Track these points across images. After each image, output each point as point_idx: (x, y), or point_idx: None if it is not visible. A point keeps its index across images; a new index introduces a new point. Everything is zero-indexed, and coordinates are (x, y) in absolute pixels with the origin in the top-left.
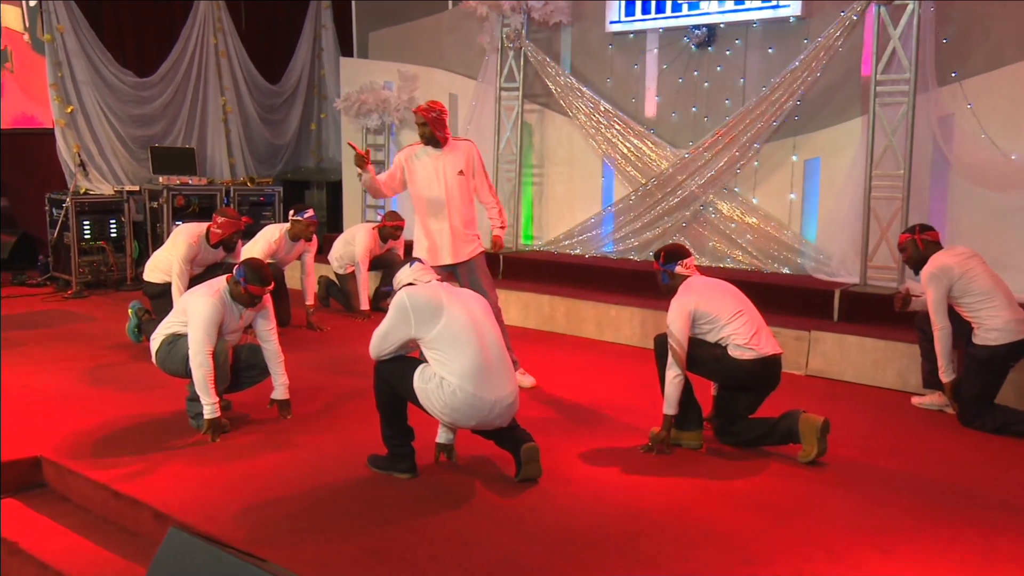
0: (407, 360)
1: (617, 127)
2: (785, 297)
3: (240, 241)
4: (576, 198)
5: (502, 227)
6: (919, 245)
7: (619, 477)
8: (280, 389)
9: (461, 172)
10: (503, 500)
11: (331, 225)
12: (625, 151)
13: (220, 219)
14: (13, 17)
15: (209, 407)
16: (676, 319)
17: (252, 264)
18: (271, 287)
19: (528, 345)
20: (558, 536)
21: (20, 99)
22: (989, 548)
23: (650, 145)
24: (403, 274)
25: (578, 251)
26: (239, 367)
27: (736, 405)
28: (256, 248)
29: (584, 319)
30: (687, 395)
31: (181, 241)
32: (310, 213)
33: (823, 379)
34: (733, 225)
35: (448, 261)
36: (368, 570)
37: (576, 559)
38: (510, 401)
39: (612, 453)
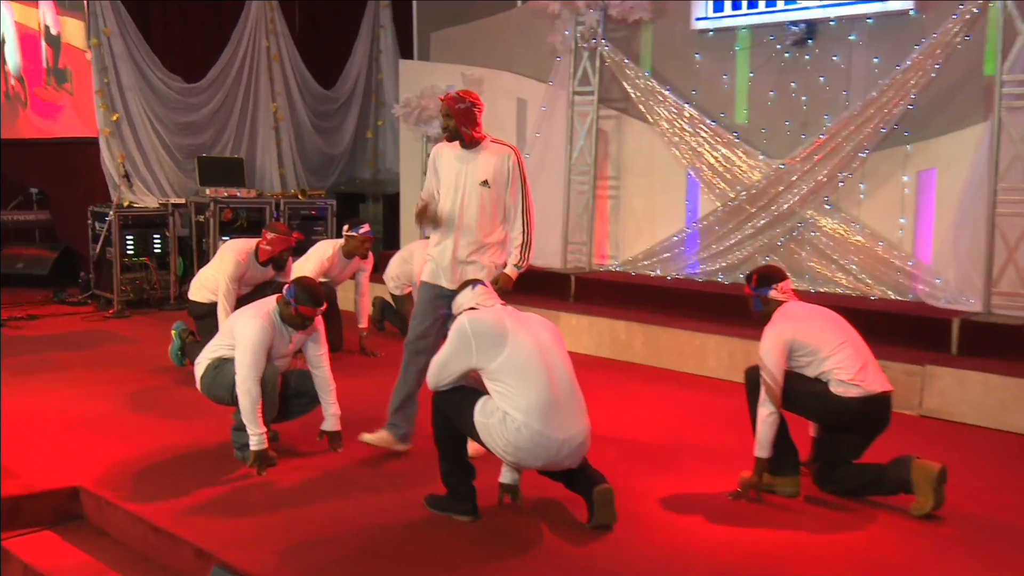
0: (467, 391)
1: (703, 134)
2: (895, 327)
3: (291, 258)
4: (657, 213)
5: (517, 264)
6: None
7: (704, 526)
8: (331, 420)
9: (485, 182)
10: (574, 548)
11: (388, 242)
12: (712, 161)
13: (270, 235)
14: (75, 32)
15: (256, 438)
16: (770, 350)
17: (303, 283)
18: (323, 308)
19: (602, 376)
20: None
21: (74, 122)
22: None
23: (740, 154)
24: (464, 297)
25: (659, 272)
26: (288, 395)
27: (839, 448)
28: (308, 266)
29: (665, 348)
30: (782, 436)
31: (228, 258)
32: (365, 228)
33: (940, 421)
34: (835, 244)
35: (445, 286)
36: None
37: None
38: (580, 440)
39: (696, 499)
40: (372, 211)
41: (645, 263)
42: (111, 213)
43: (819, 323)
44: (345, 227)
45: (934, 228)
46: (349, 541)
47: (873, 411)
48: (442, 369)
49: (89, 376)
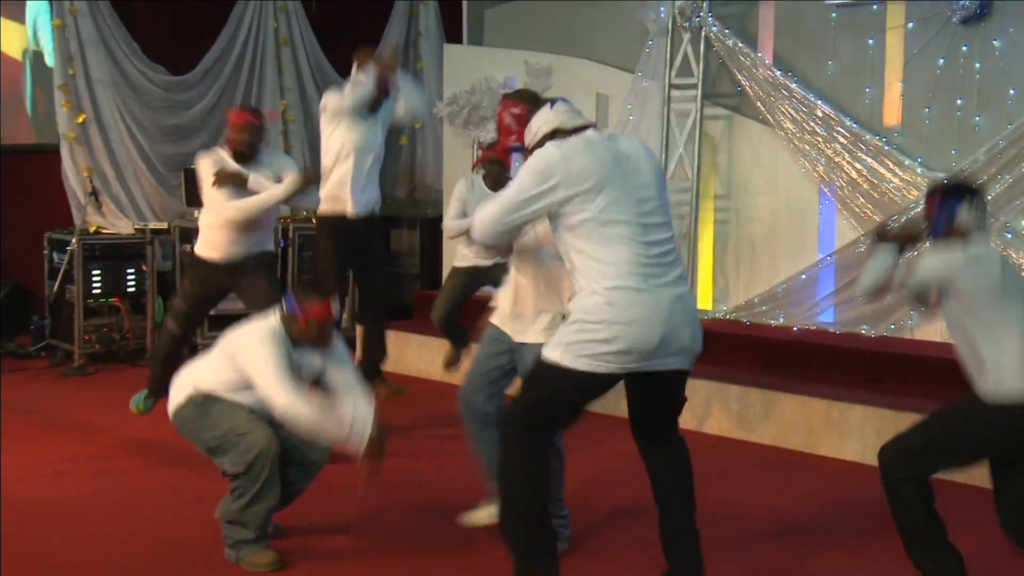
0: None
1: (841, 140)
2: None
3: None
4: (780, 243)
5: None
6: None
7: None
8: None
9: None
10: None
11: (427, 280)
12: (854, 174)
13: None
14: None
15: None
16: (936, 271)
17: (300, 288)
18: (334, 297)
19: (707, 457)
20: None
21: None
22: None
23: (891, 165)
24: (541, 120)
25: (782, 321)
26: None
27: None
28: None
29: (790, 421)
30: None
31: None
32: None
33: None
34: None
35: (507, 332)
36: None
37: None
38: (693, 304)
39: None
40: (408, 240)
41: (764, 309)
42: (73, 241)
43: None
44: None
45: None
46: None
47: None
48: (511, 209)
49: (44, 452)
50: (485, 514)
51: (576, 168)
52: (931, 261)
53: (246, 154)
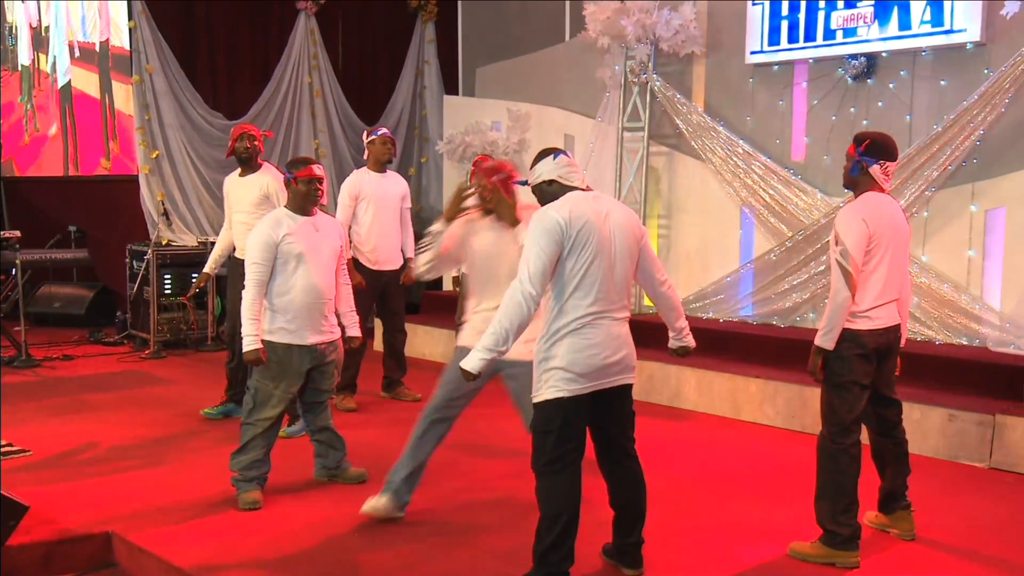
0: None
1: (758, 171)
2: (963, 374)
3: None
4: (709, 253)
5: None
6: None
7: None
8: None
9: None
10: None
11: (430, 283)
12: (768, 199)
13: None
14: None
15: (248, 339)
16: (853, 232)
17: (289, 161)
18: (319, 166)
19: (651, 422)
20: None
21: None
22: None
23: (798, 192)
24: (546, 167)
25: (711, 315)
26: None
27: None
28: (343, 202)
29: (717, 394)
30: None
31: None
32: (384, 130)
33: (1011, 474)
34: None
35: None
36: None
37: None
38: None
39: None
40: None
41: (696, 305)
42: (149, 252)
43: (892, 243)
44: (364, 134)
45: (1003, 270)
46: None
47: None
48: (537, 260)
49: (124, 419)
50: (375, 504)
51: (575, 227)
52: (842, 223)
53: None
